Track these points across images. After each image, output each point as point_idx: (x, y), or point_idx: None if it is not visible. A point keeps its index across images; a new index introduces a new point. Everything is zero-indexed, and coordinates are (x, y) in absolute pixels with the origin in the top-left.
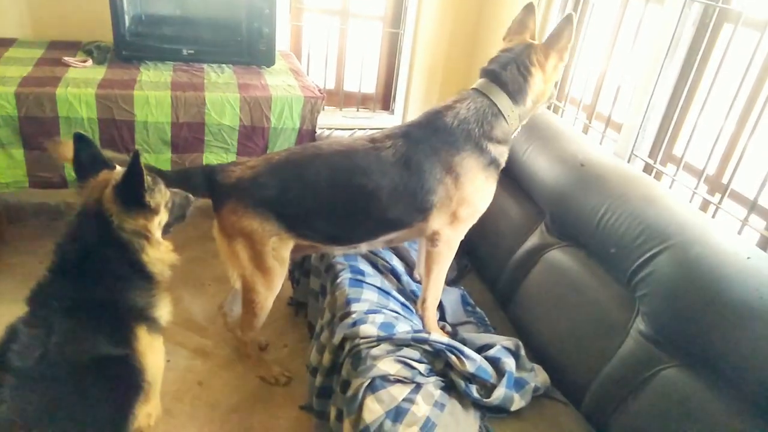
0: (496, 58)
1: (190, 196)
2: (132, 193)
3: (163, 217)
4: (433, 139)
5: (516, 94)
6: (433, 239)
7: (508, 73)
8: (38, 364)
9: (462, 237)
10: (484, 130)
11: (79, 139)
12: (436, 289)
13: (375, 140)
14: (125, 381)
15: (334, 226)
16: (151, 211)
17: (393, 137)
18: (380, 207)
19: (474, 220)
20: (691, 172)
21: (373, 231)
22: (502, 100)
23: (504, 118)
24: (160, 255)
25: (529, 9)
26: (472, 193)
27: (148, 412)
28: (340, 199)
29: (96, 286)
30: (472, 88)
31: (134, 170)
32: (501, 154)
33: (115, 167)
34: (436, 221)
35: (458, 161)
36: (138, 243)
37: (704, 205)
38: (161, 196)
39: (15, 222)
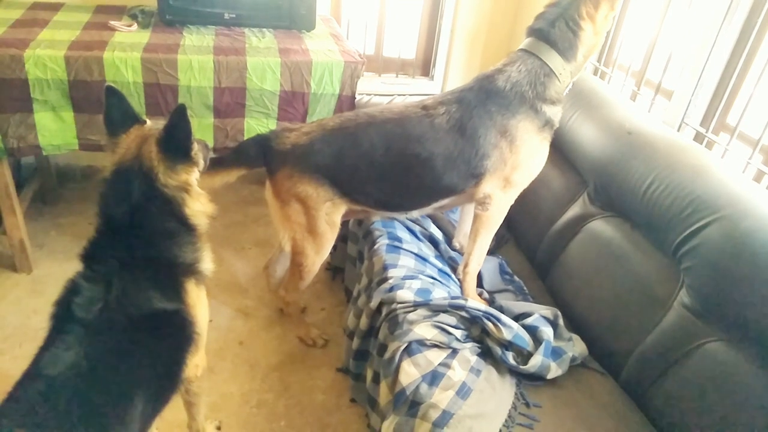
0: (543, 14)
1: (208, 143)
2: (177, 146)
3: (200, 167)
4: (488, 104)
5: (567, 51)
6: (484, 203)
7: (557, 30)
8: (100, 316)
9: (512, 202)
10: (537, 91)
11: (110, 93)
12: (480, 255)
13: (427, 107)
14: (179, 333)
15: (388, 193)
16: (193, 163)
17: (446, 103)
18: (434, 174)
19: (526, 184)
20: (746, 142)
21: (426, 198)
22: (554, 59)
23: (556, 77)
24: (200, 207)
25: None
26: (526, 156)
27: (196, 363)
28: (394, 167)
29: (147, 243)
30: (521, 49)
31: (181, 123)
32: (555, 114)
33: (145, 122)
34: (489, 185)
35: (513, 124)
36: (180, 197)
37: (758, 176)
38: (197, 147)
39: (65, 183)
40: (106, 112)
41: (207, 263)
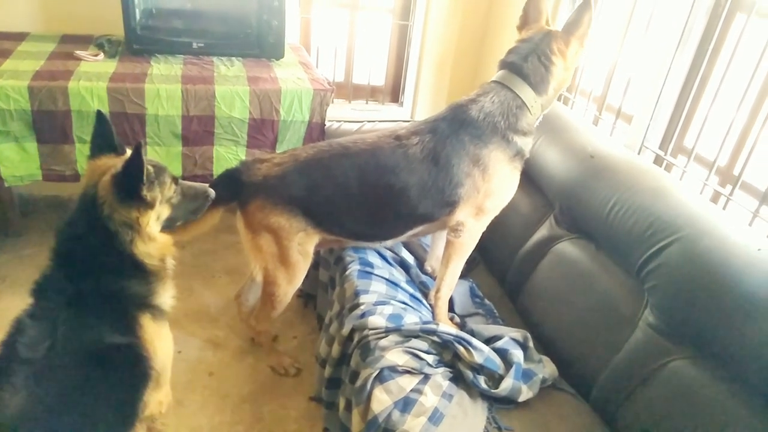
0: (516, 49)
1: (210, 191)
2: (129, 184)
3: (162, 212)
4: (461, 133)
5: (538, 84)
6: (456, 230)
7: (530, 65)
8: (47, 355)
9: (484, 228)
10: (509, 122)
11: (98, 118)
12: (451, 280)
13: (401, 137)
14: (133, 368)
15: (363, 224)
16: (146, 205)
17: (419, 133)
18: (409, 204)
19: (497, 212)
20: (702, 164)
21: (401, 227)
22: (526, 92)
23: (528, 109)
24: (150, 250)
25: None
26: (498, 185)
27: (159, 399)
28: (368, 199)
29: (92, 275)
30: (494, 81)
31: (134, 161)
32: (526, 144)
33: (124, 152)
34: (462, 213)
35: (486, 154)
36: (127, 234)
37: (715, 197)
38: (162, 190)
39: (28, 214)
40: (92, 138)
41: (165, 298)
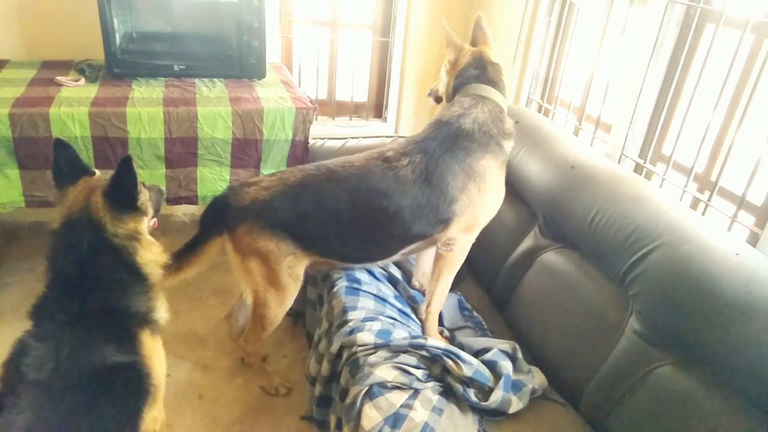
0: (470, 66)
1: (162, 188)
2: (123, 196)
3: (149, 215)
4: (456, 149)
5: (503, 89)
6: (448, 245)
7: (490, 73)
8: (52, 376)
9: (473, 240)
10: (499, 128)
11: (58, 146)
12: (442, 295)
13: (389, 159)
14: (134, 386)
15: (354, 247)
16: (141, 213)
17: (409, 154)
18: (403, 225)
19: (487, 223)
20: (681, 171)
21: (394, 248)
22: (500, 97)
23: (505, 111)
24: (152, 256)
25: (478, 19)
26: (492, 194)
27: (154, 416)
28: (360, 223)
29: (97, 295)
30: (472, 95)
31: (126, 174)
32: (510, 147)
33: (94, 173)
34: (455, 228)
35: (483, 165)
36: (131, 246)
37: (694, 203)
38: (145, 196)
39: (12, 241)
40: (55, 165)
41: (161, 312)
